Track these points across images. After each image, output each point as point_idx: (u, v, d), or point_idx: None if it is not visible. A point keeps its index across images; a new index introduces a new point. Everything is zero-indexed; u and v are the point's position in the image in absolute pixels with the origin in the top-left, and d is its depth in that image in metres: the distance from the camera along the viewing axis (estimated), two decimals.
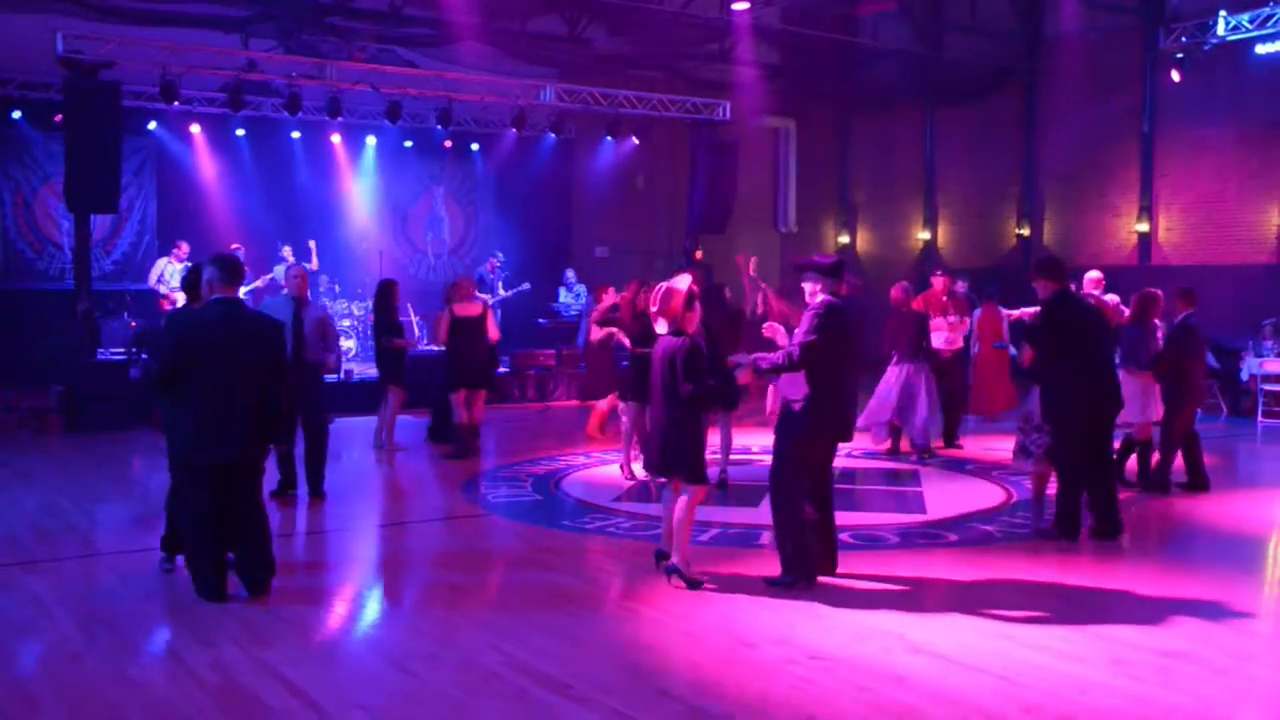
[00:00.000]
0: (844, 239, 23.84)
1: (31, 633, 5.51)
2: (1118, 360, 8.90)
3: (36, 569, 6.73)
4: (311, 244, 16.33)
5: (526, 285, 17.38)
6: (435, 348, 11.81)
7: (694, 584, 6.31)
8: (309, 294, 9.30)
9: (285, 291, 8.97)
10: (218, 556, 6.00)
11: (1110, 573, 6.82)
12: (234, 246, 14.26)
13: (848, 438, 6.58)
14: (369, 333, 16.90)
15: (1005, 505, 8.79)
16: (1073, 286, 8.57)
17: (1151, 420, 9.27)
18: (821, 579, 6.36)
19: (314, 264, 16.04)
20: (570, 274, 18.25)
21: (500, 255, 18.11)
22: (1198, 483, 9.34)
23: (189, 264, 14.94)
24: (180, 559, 6.36)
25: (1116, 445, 8.58)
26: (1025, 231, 20.05)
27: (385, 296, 11.29)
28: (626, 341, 9.74)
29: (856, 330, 6.67)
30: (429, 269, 19.87)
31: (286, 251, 16.26)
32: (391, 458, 11.13)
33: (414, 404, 12.24)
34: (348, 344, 16.31)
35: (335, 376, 14.01)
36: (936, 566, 6.94)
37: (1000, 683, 4.84)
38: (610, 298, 10.51)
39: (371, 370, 15.83)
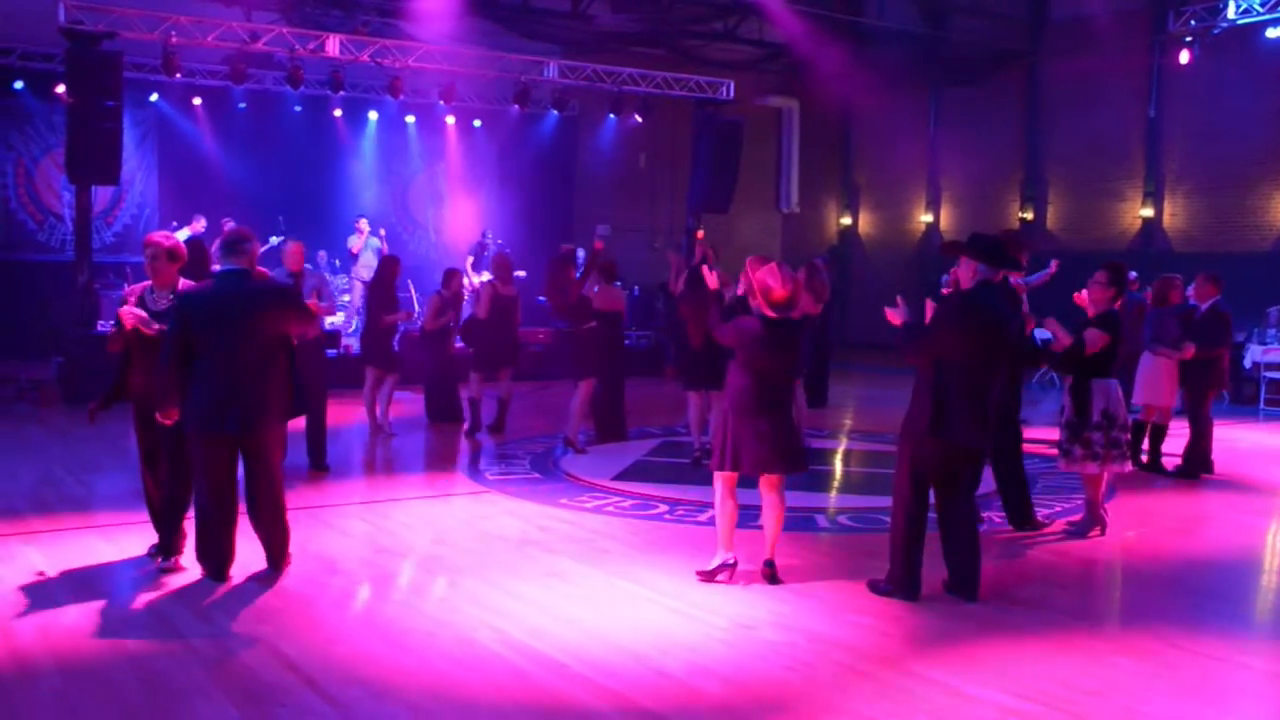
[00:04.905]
0: (846, 220, 23.81)
1: (30, 604, 5.51)
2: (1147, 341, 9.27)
3: (35, 540, 6.73)
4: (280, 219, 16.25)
5: (523, 273, 17.67)
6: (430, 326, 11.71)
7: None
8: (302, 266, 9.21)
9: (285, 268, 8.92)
10: (231, 526, 5.95)
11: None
12: (224, 221, 14.17)
13: (974, 445, 5.73)
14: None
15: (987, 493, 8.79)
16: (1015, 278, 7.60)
17: (1162, 405, 9.32)
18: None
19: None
20: (579, 253, 18.15)
21: (490, 234, 18.03)
22: (1192, 470, 9.43)
23: (190, 237, 14.97)
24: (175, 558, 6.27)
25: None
26: (1029, 215, 20.01)
27: (386, 273, 11.22)
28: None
29: (1009, 324, 5.79)
30: (430, 246, 19.84)
31: (363, 224, 16.40)
32: (388, 439, 11.01)
33: (406, 382, 12.12)
34: (338, 319, 16.25)
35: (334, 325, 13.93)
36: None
37: (983, 663, 4.85)
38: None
39: None
